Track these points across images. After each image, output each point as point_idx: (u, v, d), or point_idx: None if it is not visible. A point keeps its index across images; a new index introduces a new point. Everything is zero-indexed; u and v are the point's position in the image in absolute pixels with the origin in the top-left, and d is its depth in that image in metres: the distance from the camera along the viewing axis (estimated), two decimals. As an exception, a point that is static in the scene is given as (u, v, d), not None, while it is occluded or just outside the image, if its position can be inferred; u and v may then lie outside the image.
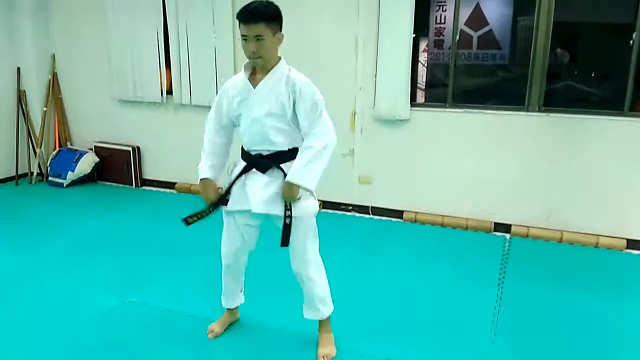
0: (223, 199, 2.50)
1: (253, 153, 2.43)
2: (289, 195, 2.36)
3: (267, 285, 3.26)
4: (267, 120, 2.35)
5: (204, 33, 5.10)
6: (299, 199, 2.40)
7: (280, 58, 2.39)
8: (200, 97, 5.25)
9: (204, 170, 2.52)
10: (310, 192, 2.45)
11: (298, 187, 2.35)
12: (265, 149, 2.40)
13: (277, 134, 2.37)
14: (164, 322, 2.97)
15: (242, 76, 2.42)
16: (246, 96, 2.38)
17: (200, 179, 2.53)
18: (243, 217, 2.52)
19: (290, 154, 2.40)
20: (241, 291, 2.86)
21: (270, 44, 2.30)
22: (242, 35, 2.27)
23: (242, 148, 2.49)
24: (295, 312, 2.72)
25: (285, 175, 2.38)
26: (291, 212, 2.39)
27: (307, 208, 2.47)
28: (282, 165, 2.40)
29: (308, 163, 2.32)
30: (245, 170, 2.46)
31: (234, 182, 2.48)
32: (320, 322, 2.68)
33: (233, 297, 2.82)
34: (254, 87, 2.36)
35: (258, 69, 2.39)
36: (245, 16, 2.23)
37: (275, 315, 3.00)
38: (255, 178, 2.44)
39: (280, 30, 2.35)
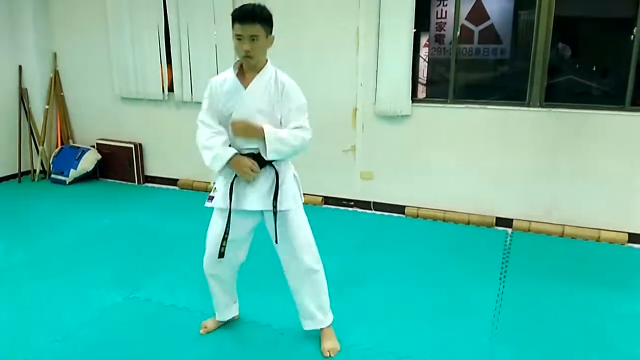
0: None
1: (244, 152, 2.45)
2: (243, 128, 2.36)
3: (264, 280, 3.28)
4: (258, 118, 2.39)
5: (204, 30, 5.11)
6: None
7: (267, 60, 2.45)
8: (201, 94, 5.10)
9: (226, 150, 2.43)
10: (296, 180, 2.54)
11: (258, 136, 2.36)
12: (256, 147, 2.43)
13: None
14: (168, 317, 2.99)
15: (231, 74, 2.45)
16: (236, 95, 2.42)
17: (230, 159, 2.43)
18: (237, 217, 2.51)
19: None
20: (235, 302, 2.86)
21: (263, 45, 2.36)
22: (237, 35, 2.32)
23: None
24: (294, 307, 2.72)
25: (276, 172, 2.43)
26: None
27: (293, 201, 2.51)
28: (273, 163, 2.45)
29: (286, 137, 2.37)
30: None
31: (231, 183, 2.48)
32: None
33: (225, 309, 2.83)
34: (244, 87, 2.40)
35: (247, 69, 2.43)
36: (242, 16, 2.29)
37: (274, 311, 3.01)
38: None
39: (272, 33, 2.40)
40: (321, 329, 2.69)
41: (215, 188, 2.55)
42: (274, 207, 2.43)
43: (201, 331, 2.83)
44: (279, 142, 2.36)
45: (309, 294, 2.61)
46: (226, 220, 2.49)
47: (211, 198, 2.54)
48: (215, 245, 2.54)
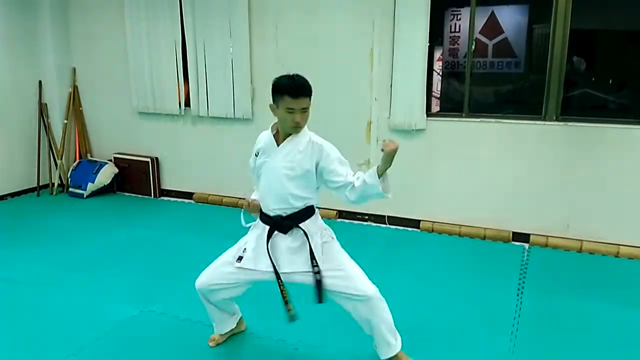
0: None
1: (272, 214, 2.48)
2: (395, 149, 2.33)
3: (277, 294, 3.26)
4: (284, 177, 2.41)
5: (221, 46, 5.18)
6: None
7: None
8: (217, 109, 5.31)
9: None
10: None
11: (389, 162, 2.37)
12: (284, 208, 2.45)
13: (295, 191, 2.42)
14: (183, 331, 3.00)
15: (269, 135, 2.51)
16: (269, 153, 2.46)
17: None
18: (254, 274, 2.52)
19: (307, 212, 2.48)
20: (233, 315, 2.85)
21: (309, 114, 2.41)
22: (289, 108, 2.33)
23: (261, 210, 2.54)
24: (308, 322, 2.71)
25: (305, 233, 2.44)
26: (319, 267, 2.41)
27: (326, 236, 2.52)
28: (301, 225, 2.46)
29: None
30: (270, 234, 2.48)
31: (266, 243, 2.49)
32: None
33: (222, 323, 2.83)
34: (278, 145, 2.45)
35: (282, 133, 2.46)
36: (296, 91, 2.32)
37: (288, 325, 2.99)
38: (278, 240, 2.49)
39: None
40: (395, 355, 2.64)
41: (245, 249, 2.55)
42: (315, 265, 2.41)
43: (210, 344, 2.84)
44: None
45: (382, 322, 2.55)
46: (256, 279, 2.51)
47: (240, 258, 2.53)
48: (215, 270, 2.59)
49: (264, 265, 2.47)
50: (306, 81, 2.36)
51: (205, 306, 2.74)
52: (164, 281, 3.67)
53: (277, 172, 2.42)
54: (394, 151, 2.29)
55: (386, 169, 2.33)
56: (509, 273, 3.82)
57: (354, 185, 2.36)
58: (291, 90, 2.31)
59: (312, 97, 2.39)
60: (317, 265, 2.41)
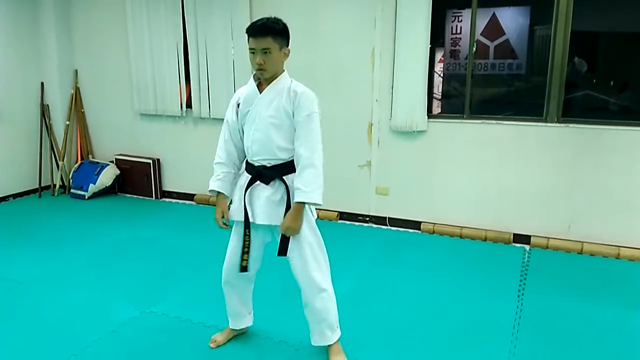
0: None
1: (256, 164, 2.49)
2: (293, 224, 2.40)
3: (279, 296, 3.28)
4: (270, 127, 2.42)
5: (222, 48, 5.19)
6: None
7: (284, 70, 2.48)
8: (218, 110, 5.32)
9: (212, 183, 2.59)
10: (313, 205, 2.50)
11: (301, 215, 2.40)
12: (268, 158, 2.45)
13: (279, 142, 2.42)
14: (184, 332, 3.00)
15: (250, 84, 2.51)
16: (252, 102, 2.46)
17: (210, 190, 2.59)
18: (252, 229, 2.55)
19: (292, 166, 2.46)
20: (249, 313, 2.87)
21: (277, 58, 2.39)
22: (250, 49, 2.38)
23: (246, 160, 2.56)
24: (302, 321, 2.71)
25: (286, 186, 2.44)
26: None
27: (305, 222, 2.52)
28: (284, 177, 2.46)
29: (310, 179, 2.36)
30: (250, 183, 2.50)
31: (244, 193, 2.52)
32: None
33: (239, 318, 2.85)
34: (259, 93, 2.45)
35: (263, 81, 2.47)
36: (254, 30, 2.35)
37: (290, 327, 3.00)
38: (259, 190, 2.49)
39: (287, 46, 2.44)
40: (329, 345, 2.67)
41: (231, 200, 2.58)
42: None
43: (211, 345, 2.84)
44: (315, 190, 2.35)
45: (318, 311, 2.59)
46: (242, 233, 2.51)
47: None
48: (234, 256, 2.58)
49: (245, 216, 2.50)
50: (272, 22, 2.35)
51: (227, 301, 2.75)
52: (165, 282, 3.67)
53: (263, 121, 2.42)
54: (293, 231, 2.43)
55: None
56: (510, 275, 3.81)
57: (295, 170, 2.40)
58: (250, 30, 2.35)
59: (280, 41, 2.36)
60: None
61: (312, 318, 2.62)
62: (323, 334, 2.64)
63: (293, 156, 2.44)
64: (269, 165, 2.46)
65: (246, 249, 2.52)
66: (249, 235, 2.52)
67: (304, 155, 2.37)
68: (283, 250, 2.48)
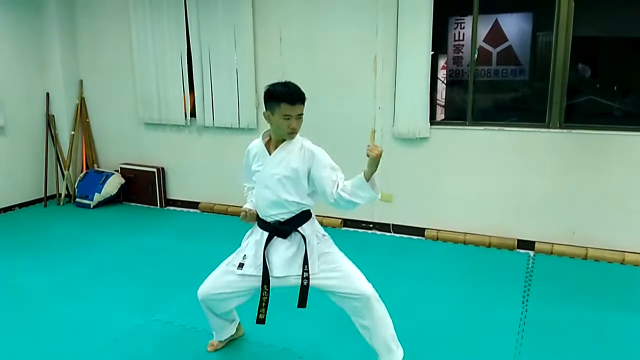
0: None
1: (270, 220, 2.51)
2: (376, 167, 2.40)
3: (282, 303, 3.27)
4: (280, 184, 2.44)
5: (226, 57, 5.23)
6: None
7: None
8: (222, 119, 5.35)
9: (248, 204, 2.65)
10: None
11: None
12: (280, 213, 2.48)
13: (289, 197, 2.45)
14: (189, 340, 3.01)
15: (260, 143, 2.55)
16: (262, 162, 2.50)
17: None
18: (256, 280, 2.54)
19: (304, 216, 2.51)
20: (232, 322, 2.88)
21: (302, 121, 2.45)
22: (285, 115, 2.37)
23: (258, 217, 2.57)
24: (313, 330, 2.72)
25: (303, 236, 2.47)
26: (308, 273, 2.45)
27: (321, 238, 2.56)
28: (299, 229, 2.49)
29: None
30: (268, 240, 2.51)
31: (263, 249, 2.52)
32: None
33: (222, 330, 2.86)
34: (270, 154, 2.49)
35: (274, 141, 2.51)
36: (292, 98, 2.36)
37: (293, 334, 3.01)
38: (276, 244, 2.52)
39: None
40: None
41: (245, 255, 2.57)
42: (305, 271, 2.45)
43: (208, 349, 2.87)
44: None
45: (381, 324, 2.57)
46: (260, 285, 2.51)
47: (241, 265, 2.56)
48: (214, 289, 2.62)
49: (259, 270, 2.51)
50: (299, 87, 2.40)
51: (206, 314, 2.76)
52: (170, 290, 3.69)
53: (272, 179, 2.45)
54: (379, 156, 2.35)
55: (372, 173, 2.36)
56: (514, 281, 3.80)
57: (345, 186, 2.38)
58: (288, 97, 2.35)
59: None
60: (307, 271, 2.44)
61: (375, 332, 2.56)
62: (389, 349, 2.59)
63: (301, 208, 2.49)
64: (283, 220, 2.49)
65: (264, 304, 2.52)
66: (268, 291, 2.51)
67: (342, 180, 2.42)
68: (302, 301, 2.47)
